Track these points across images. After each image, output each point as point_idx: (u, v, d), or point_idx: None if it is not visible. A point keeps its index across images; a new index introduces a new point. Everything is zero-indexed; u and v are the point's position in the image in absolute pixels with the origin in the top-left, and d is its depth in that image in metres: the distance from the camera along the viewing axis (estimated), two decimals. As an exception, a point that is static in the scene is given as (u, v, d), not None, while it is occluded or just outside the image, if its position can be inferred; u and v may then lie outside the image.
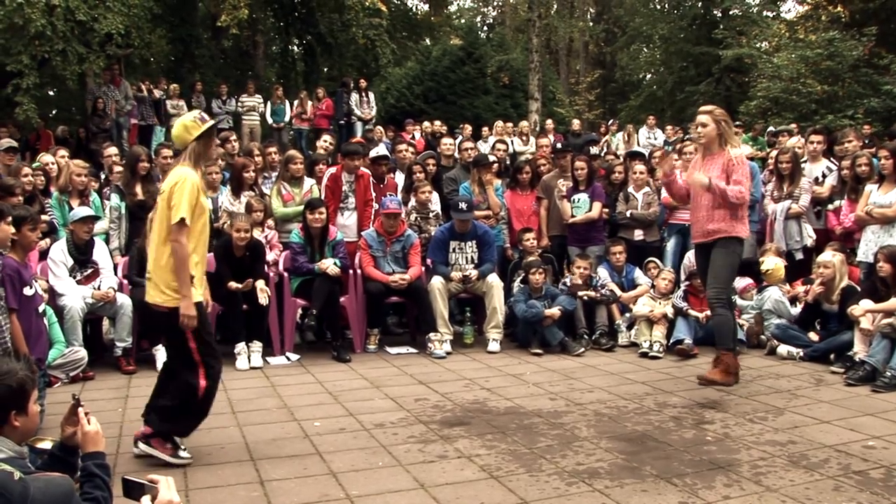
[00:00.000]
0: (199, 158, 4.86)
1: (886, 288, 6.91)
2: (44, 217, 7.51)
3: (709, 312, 7.79)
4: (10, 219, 5.13)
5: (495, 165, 9.72)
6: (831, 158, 9.24)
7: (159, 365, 7.28)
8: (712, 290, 6.36)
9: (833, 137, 9.78)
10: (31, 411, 2.96)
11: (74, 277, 7.28)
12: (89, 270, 7.33)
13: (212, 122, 4.94)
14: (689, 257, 8.63)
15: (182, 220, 4.58)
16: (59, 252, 7.27)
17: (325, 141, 10.86)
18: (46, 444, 3.45)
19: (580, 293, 8.32)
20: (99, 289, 7.29)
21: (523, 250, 8.92)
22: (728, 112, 6.71)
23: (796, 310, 7.94)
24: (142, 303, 7.29)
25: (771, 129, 16.41)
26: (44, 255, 7.49)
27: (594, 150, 12.28)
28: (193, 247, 4.72)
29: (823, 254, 7.77)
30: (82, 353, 6.88)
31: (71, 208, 8.11)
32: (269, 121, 17.61)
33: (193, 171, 4.76)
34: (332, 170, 9.08)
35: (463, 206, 8.39)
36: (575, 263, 8.63)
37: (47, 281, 7.15)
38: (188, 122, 4.82)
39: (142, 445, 4.81)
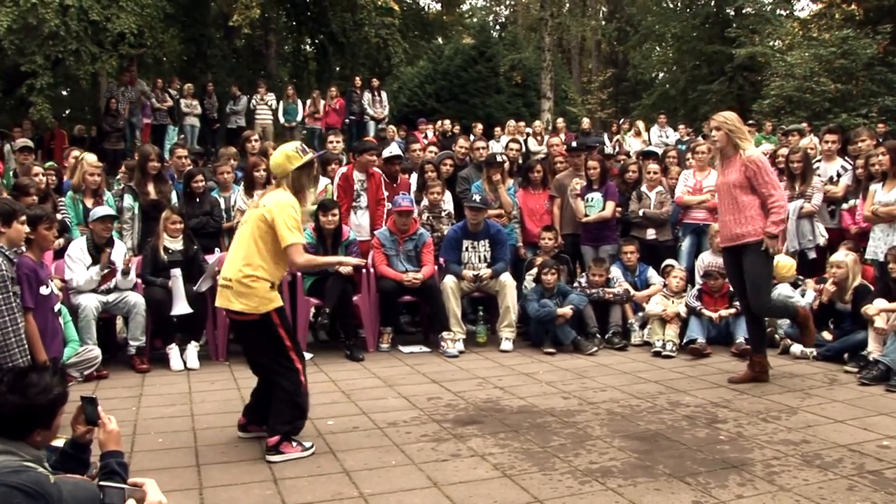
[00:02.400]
0: (298, 189, 4.91)
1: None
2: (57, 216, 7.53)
3: (722, 312, 7.84)
4: (23, 218, 5.16)
5: (507, 165, 9.72)
6: (846, 157, 9.21)
7: (173, 364, 7.37)
8: (754, 298, 6.44)
9: (846, 137, 9.74)
10: (55, 426, 2.98)
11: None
12: (106, 270, 7.34)
13: (312, 155, 5.01)
14: (704, 258, 8.62)
15: (293, 244, 4.75)
16: (78, 250, 7.28)
17: (333, 141, 10.82)
18: (59, 442, 3.48)
19: (592, 291, 8.32)
20: (116, 288, 7.31)
21: (539, 249, 8.93)
22: (741, 111, 6.78)
23: (809, 298, 7.90)
24: (156, 302, 7.40)
25: (783, 127, 16.36)
26: (59, 253, 7.52)
27: (608, 149, 12.27)
28: (278, 261, 4.87)
29: (836, 253, 7.74)
30: (96, 352, 6.91)
31: (85, 207, 8.15)
32: (282, 120, 17.63)
33: (293, 196, 4.86)
34: (343, 169, 9.10)
35: (476, 197, 8.42)
36: (591, 270, 8.60)
37: (62, 280, 7.18)
38: (290, 153, 4.90)
39: (273, 458, 4.78)
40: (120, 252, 7.50)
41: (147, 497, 2.52)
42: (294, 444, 4.86)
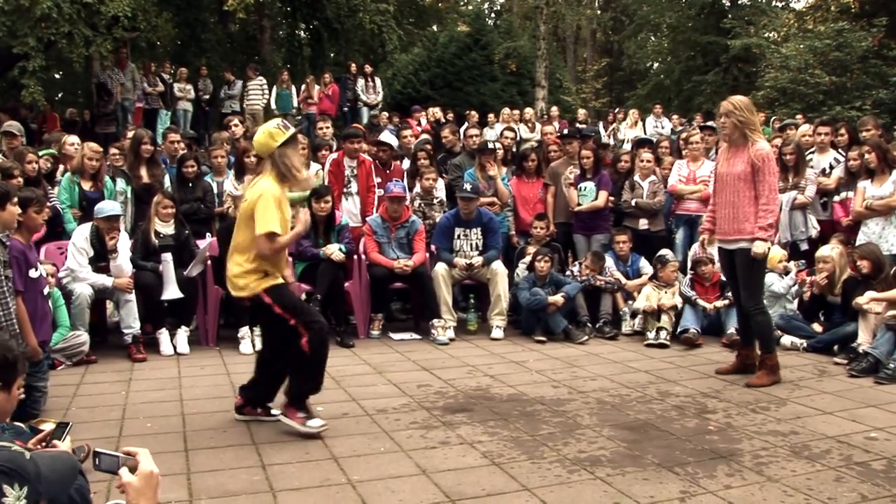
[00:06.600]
0: (283, 167, 4.91)
1: (868, 282, 7.05)
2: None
3: (717, 304, 7.84)
4: (16, 200, 5.14)
5: (501, 153, 9.71)
6: (839, 150, 9.23)
7: (163, 348, 7.35)
8: (746, 299, 6.35)
9: (851, 128, 9.74)
10: (12, 394, 2.92)
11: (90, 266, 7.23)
12: (103, 264, 7.26)
13: (294, 130, 5.03)
14: (696, 248, 8.60)
15: (271, 232, 4.80)
16: (83, 239, 7.17)
17: (322, 127, 10.80)
18: (50, 426, 3.45)
19: (583, 278, 8.33)
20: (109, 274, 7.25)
21: (531, 237, 8.92)
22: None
23: (787, 281, 7.92)
24: (147, 286, 7.38)
25: (775, 118, 16.33)
26: (48, 237, 7.49)
27: (604, 139, 12.26)
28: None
29: (823, 248, 7.79)
30: (84, 338, 6.88)
31: (82, 189, 8.11)
32: (273, 106, 17.46)
33: (275, 183, 4.90)
34: (334, 155, 9.09)
35: (467, 186, 8.40)
36: (585, 261, 8.59)
37: (53, 264, 7.14)
38: (272, 130, 4.92)
39: (280, 417, 5.13)
40: (124, 243, 7.42)
41: (139, 466, 2.51)
42: (301, 413, 5.02)
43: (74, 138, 9.38)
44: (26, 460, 2.44)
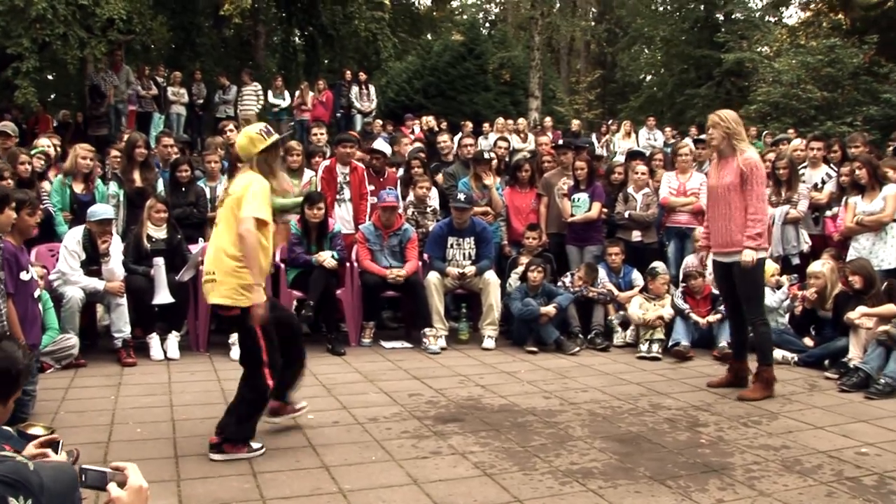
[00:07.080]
0: (265, 172, 4.79)
1: (860, 297, 7.06)
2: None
3: (710, 318, 7.83)
4: (13, 204, 5.13)
5: (494, 162, 9.72)
6: (831, 165, 9.27)
7: (153, 353, 7.32)
8: (750, 311, 6.38)
9: (844, 144, 9.80)
10: (8, 406, 2.90)
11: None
12: (95, 267, 7.23)
13: (277, 137, 4.94)
14: (687, 261, 8.62)
15: (260, 219, 4.60)
16: (75, 242, 7.13)
17: (316, 133, 10.78)
18: (38, 430, 3.41)
19: (575, 289, 8.34)
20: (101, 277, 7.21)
21: (523, 247, 8.92)
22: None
23: (780, 295, 7.94)
24: (138, 290, 7.35)
25: (767, 133, 16.40)
26: (39, 239, 7.45)
27: (598, 150, 12.29)
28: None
29: (814, 263, 7.81)
30: (73, 341, 6.83)
31: (73, 192, 8.07)
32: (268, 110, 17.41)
33: (261, 177, 4.74)
34: (326, 162, 9.08)
35: (461, 196, 8.40)
36: (578, 272, 8.59)
37: (43, 266, 7.11)
38: (253, 135, 4.80)
39: (216, 456, 4.66)
40: (116, 247, 7.39)
41: (128, 481, 2.48)
42: (242, 444, 4.71)
43: (44, 140, 9.32)
44: (30, 471, 2.41)
